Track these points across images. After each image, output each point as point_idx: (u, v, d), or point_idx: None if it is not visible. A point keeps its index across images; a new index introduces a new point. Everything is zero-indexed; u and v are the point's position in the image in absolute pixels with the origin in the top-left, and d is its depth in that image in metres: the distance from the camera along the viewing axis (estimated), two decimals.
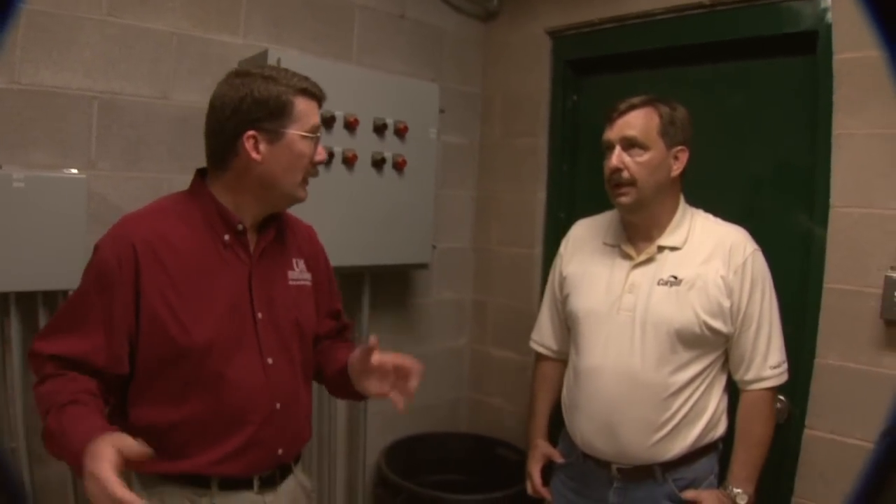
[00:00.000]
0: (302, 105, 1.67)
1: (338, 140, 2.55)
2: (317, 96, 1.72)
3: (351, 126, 2.56)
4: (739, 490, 2.01)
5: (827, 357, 2.28)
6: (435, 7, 3.19)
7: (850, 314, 2.26)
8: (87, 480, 1.29)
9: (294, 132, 1.66)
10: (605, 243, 2.20)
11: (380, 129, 2.65)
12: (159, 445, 1.55)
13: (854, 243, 2.27)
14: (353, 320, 2.23)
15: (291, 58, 2.42)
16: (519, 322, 3.31)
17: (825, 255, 2.33)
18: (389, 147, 2.70)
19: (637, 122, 2.02)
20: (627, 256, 2.11)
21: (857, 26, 2.30)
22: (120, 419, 1.64)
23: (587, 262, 2.20)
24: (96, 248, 1.62)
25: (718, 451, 2.12)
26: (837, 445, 2.27)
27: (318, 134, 1.72)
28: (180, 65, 2.46)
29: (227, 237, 1.70)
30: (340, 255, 2.45)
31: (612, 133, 2.05)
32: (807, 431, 2.31)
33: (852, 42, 2.32)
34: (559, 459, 2.23)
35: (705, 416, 2.03)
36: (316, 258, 1.96)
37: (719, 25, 2.69)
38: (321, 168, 2.40)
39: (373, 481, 2.99)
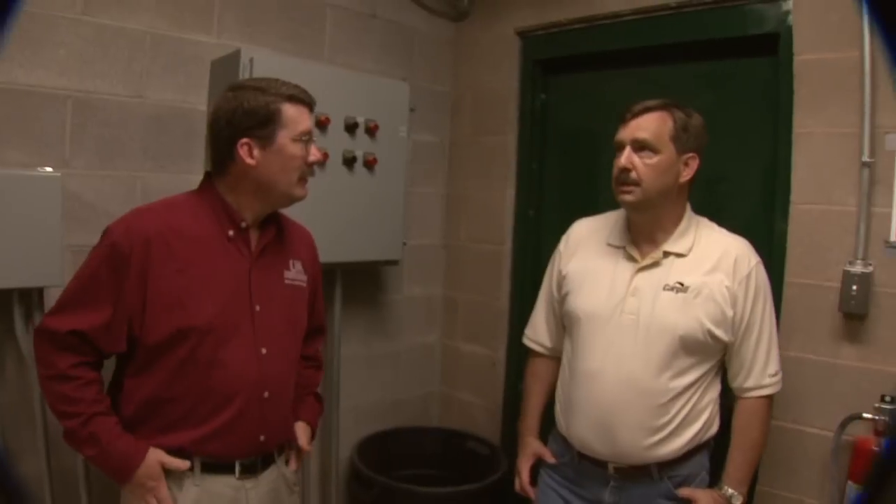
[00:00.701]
0: (290, 111, 1.80)
1: None
2: (305, 102, 1.84)
3: (322, 125, 2.57)
4: (734, 491, 2.04)
5: (788, 349, 2.33)
6: (406, 6, 3.23)
7: (810, 307, 2.34)
8: (148, 483, 1.74)
9: (284, 137, 1.78)
10: (609, 244, 2.18)
11: (351, 127, 2.68)
12: (151, 419, 1.79)
13: (813, 239, 2.35)
14: (325, 322, 2.28)
15: (263, 57, 2.44)
16: (489, 317, 3.39)
17: (786, 250, 2.40)
18: (360, 146, 2.73)
19: (650, 125, 2.02)
20: (632, 259, 2.09)
21: (816, 29, 2.40)
22: (114, 390, 1.81)
23: (589, 262, 2.18)
24: (108, 231, 1.76)
25: (710, 449, 2.14)
26: (799, 435, 2.35)
27: (309, 137, 1.83)
28: (155, 64, 2.47)
29: (231, 232, 1.84)
30: None
31: (625, 133, 2.04)
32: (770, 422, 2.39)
33: (812, 44, 2.41)
34: (550, 459, 2.22)
35: (701, 419, 2.04)
36: (312, 262, 2.09)
37: (685, 26, 2.76)
38: None
39: (346, 475, 3.03)
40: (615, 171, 2.03)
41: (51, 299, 2.10)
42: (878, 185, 2.29)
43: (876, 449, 2.10)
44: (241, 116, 1.77)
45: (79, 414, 1.72)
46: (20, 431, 2.22)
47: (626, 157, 1.99)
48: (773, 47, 2.53)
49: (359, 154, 2.72)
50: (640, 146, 1.99)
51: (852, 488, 2.16)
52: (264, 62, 2.40)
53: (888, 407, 2.14)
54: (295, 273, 2.00)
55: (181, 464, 1.78)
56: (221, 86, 2.32)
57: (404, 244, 3.00)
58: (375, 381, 3.25)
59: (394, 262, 3.02)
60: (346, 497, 3.04)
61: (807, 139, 2.43)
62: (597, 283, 2.11)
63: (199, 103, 2.57)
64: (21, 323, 2.17)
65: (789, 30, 2.47)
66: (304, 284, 2.01)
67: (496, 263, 3.34)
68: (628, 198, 2.01)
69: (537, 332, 2.36)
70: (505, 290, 3.31)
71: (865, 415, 2.20)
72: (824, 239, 2.35)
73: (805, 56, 2.43)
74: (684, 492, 2.03)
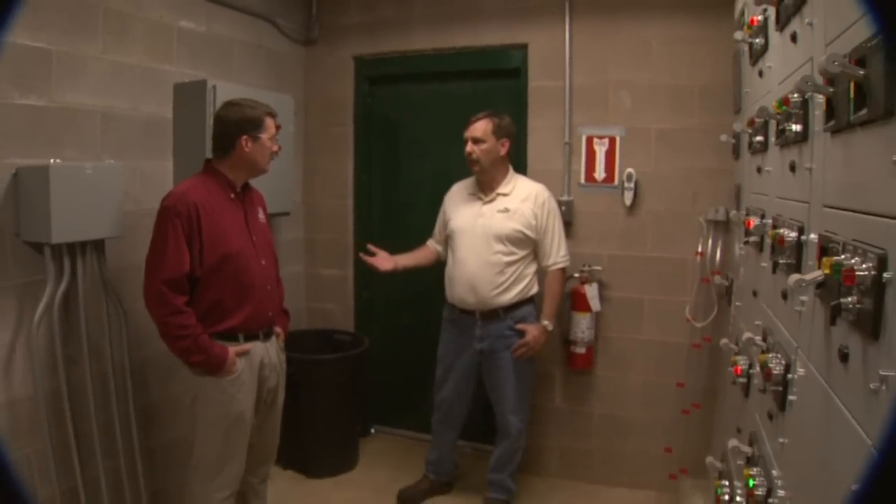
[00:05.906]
0: (269, 121, 2.82)
1: None
2: (274, 115, 2.87)
3: None
4: (547, 322, 3.45)
5: None
6: (278, 37, 4.37)
7: None
8: (232, 367, 2.67)
9: (265, 136, 2.80)
10: (469, 193, 3.57)
11: None
12: (212, 315, 2.69)
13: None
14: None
15: (220, 84, 3.46)
16: (338, 249, 4.63)
17: None
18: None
19: (479, 127, 3.39)
20: (480, 199, 3.48)
21: (540, 68, 3.96)
22: (192, 302, 2.69)
23: (459, 203, 3.59)
24: (168, 207, 2.61)
25: (535, 303, 3.51)
26: None
27: (275, 137, 2.89)
28: (143, 86, 3.41)
29: (232, 195, 2.81)
30: None
31: (467, 133, 3.42)
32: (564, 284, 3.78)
33: (538, 76, 3.99)
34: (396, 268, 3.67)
35: (524, 281, 3.42)
36: (265, 209, 3.11)
37: (464, 61, 4.22)
38: None
39: None
40: (466, 153, 3.42)
41: (109, 247, 3.12)
42: (573, 154, 3.95)
43: (583, 292, 3.87)
44: (244, 121, 2.71)
45: (189, 335, 2.59)
46: (102, 335, 3.17)
47: (469, 147, 3.44)
48: (517, 76, 4.04)
49: None
50: (475, 140, 3.40)
51: (573, 314, 3.89)
52: (220, 87, 3.43)
53: (587, 268, 3.88)
54: (262, 215, 2.98)
55: (248, 347, 2.73)
56: (185, 103, 3.42)
57: (294, 201, 4.23)
58: None
59: (286, 213, 4.18)
60: None
61: (535, 131, 4.03)
62: (463, 213, 3.55)
63: (166, 113, 3.51)
64: (96, 261, 3.10)
65: (526, 66, 4.00)
66: (266, 223, 3.01)
67: (342, 212, 4.61)
68: (475, 169, 3.48)
69: (435, 238, 3.80)
70: (349, 230, 4.61)
71: (576, 274, 3.89)
72: (547, 185, 3.74)
73: (534, 83, 4.01)
74: (521, 326, 3.44)
